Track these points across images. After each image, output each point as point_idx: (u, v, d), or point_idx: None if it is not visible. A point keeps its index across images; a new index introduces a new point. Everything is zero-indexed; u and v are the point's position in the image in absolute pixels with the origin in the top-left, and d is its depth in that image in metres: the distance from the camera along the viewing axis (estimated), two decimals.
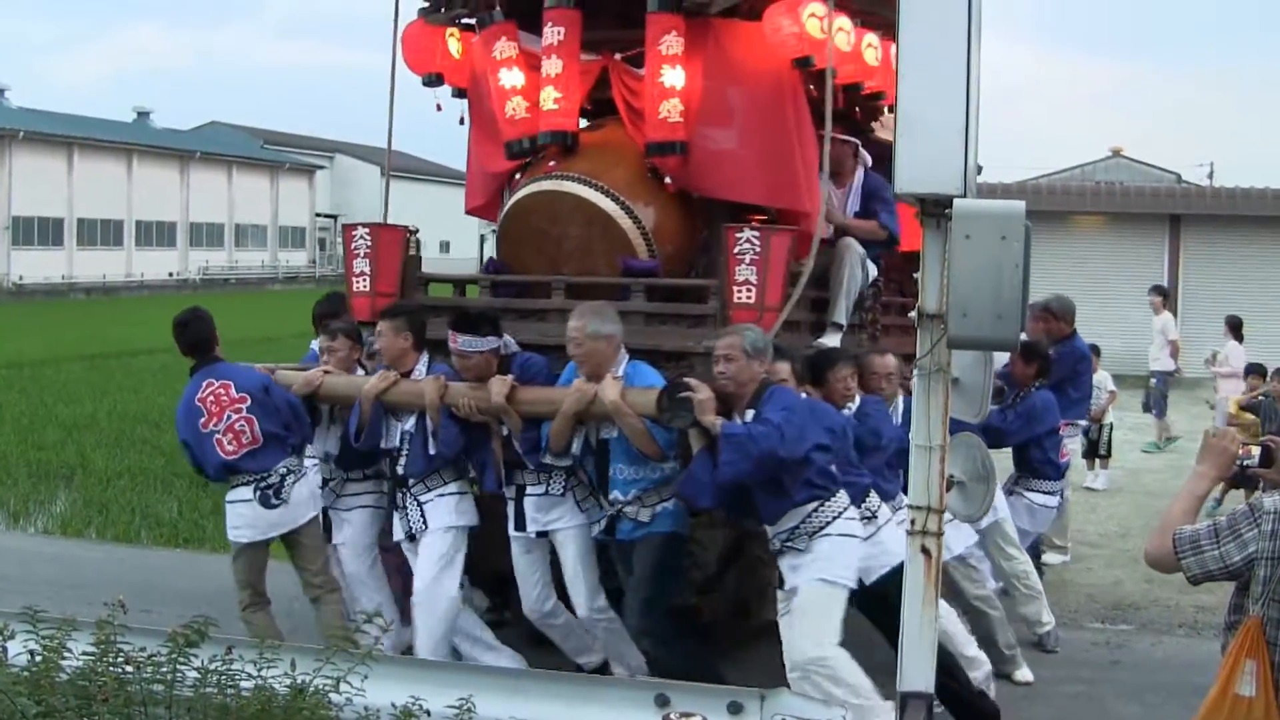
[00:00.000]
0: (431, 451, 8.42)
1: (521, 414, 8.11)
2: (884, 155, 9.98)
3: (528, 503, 8.40)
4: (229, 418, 8.51)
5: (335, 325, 9.21)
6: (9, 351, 30.76)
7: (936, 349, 6.14)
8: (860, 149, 9.68)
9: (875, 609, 7.74)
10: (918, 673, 6.22)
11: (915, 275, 10.57)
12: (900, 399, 8.76)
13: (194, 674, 5.28)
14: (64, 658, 5.30)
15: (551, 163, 9.16)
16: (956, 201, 5.84)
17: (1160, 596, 11.39)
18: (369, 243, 9.32)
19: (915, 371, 6.34)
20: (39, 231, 67.65)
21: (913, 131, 5.97)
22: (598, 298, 8.31)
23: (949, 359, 6.18)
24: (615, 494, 7.99)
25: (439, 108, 10.11)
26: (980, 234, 5.75)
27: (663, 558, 7.89)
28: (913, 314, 6.51)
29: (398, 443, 8.58)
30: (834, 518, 7.42)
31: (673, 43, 8.63)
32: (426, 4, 9.98)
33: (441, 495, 8.50)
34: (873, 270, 9.44)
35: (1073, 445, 11.76)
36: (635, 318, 8.41)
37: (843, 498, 7.49)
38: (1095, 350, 15.02)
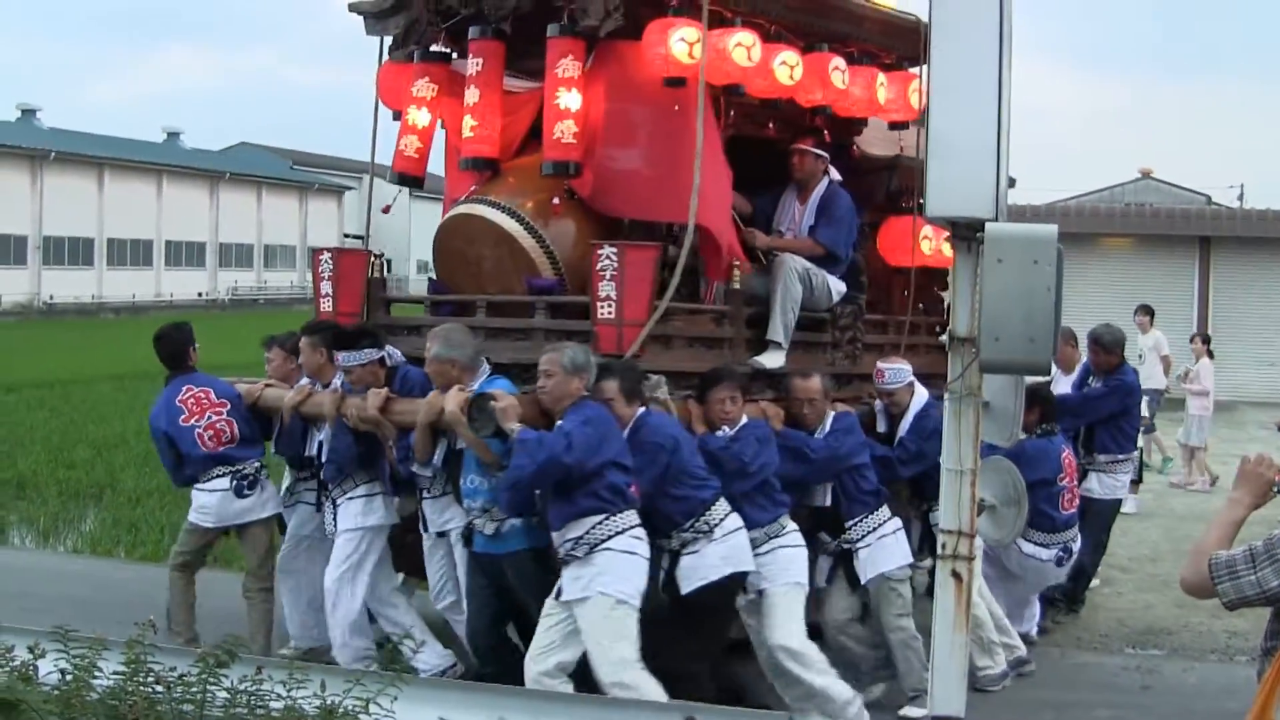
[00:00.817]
0: (322, 459, 9.05)
1: (395, 423, 8.47)
2: (865, 169, 10.04)
3: (425, 505, 8.73)
4: (210, 418, 9.34)
5: (270, 337, 9.97)
6: (39, 371, 30.87)
7: (968, 372, 6.13)
8: (828, 163, 9.76)
9: (682, 620, 7.90)
10: (948, 696, 6.20)
11: (938, 290, 10.71)
12: (829, 420, 8.80)
13: (224, 694, 5.29)
14: (94, 677, 5.30)
15: (473, 187, 9.55)
16: (988, 225, 5.84)
17: (1192, 621, 11.31)
18: (332, 266, 9.75)
19: (946, 395, 6.33)
20: (69, 251, 67.99)
21: (944, 155, 5.98)
22: (511, 315, 8.86)
23: (980, 382, 6.17)
24: (467, 503, 8.22)
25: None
26: (1012, 258, 5.75)
27: (537, 575, 7.99)
28: (944, 336, 6.49)
29: (315, 451, 9.21)
30: (616, 533, 7.46)
31: (569, 66, 8.83)
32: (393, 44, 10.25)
33: (351, 498, 8.95)
34: (838, 286, 9.54)
35: (1122, 479, 11.54)
36: (538, 334, 8.68)
37: (630, 516, 7.53)
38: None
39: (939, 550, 6.33)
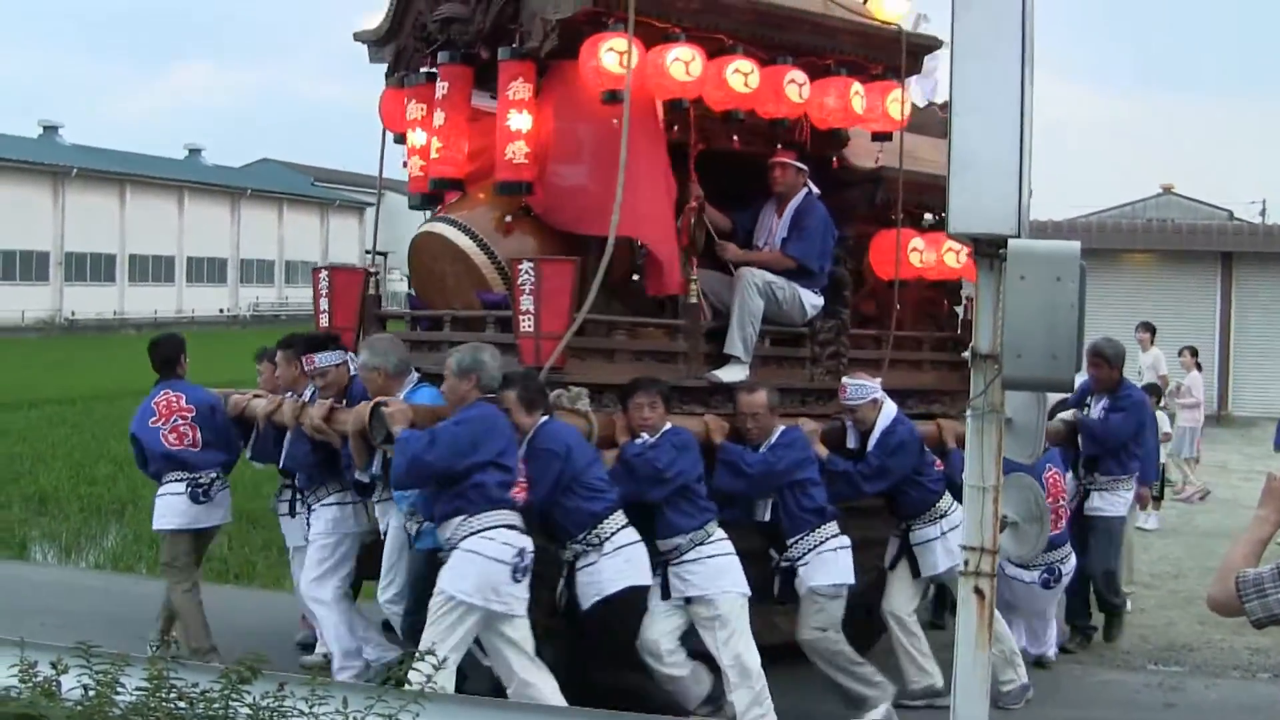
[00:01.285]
0: (280, 465, 9.72)
1: (337, 432, 8.68)
2: (849, 182, 9.98)
3: (376, 508, 9.16)
4: (175, 420, 9.82)
5: (262, 349, 10.51)
6: (61, 387, 30.99)
7: (991, 389, 6.12)
8: (808, 176, 9.77)
9: (587, 631, 8.29)
10: (972, 714, 6.19)
11: (948, 305, 10.64)
12: (776, 433, 8.81)
13: (246, 711, 5.28)
14: (117, 693, 5.30)
15: (438, 207, 9.97)
16: (1011, 242, 5.84)
17: (1214, 638, 11.28)
18: (329, 284, 10.19)
19: (969, 412, 6.31)
20: (91, 267, 68.21)
21: (966, 171, 5.97)
22: (471, 328, 9.12)
23: (1003, 399, 6.15)
24: (399, 506, 8.48)
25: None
26: (1035, 274, 5.75)
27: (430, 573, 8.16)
28: (967, 352, 6.47)
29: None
30: (470, 533, 7.63)
31: (518, 88, 8.99)
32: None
33: (324, 505, 9.36)
34: (812, 300, 9.57)
35: (1125, 495, 11.21)
36: (489, 347, 8.75)
37: (489, 517, 7.66)
38: (1155, 390, 14.94)
39: (963, 567, 6.31)
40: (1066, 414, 11.01)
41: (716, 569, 8.31)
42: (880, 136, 9.70)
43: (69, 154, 69.50)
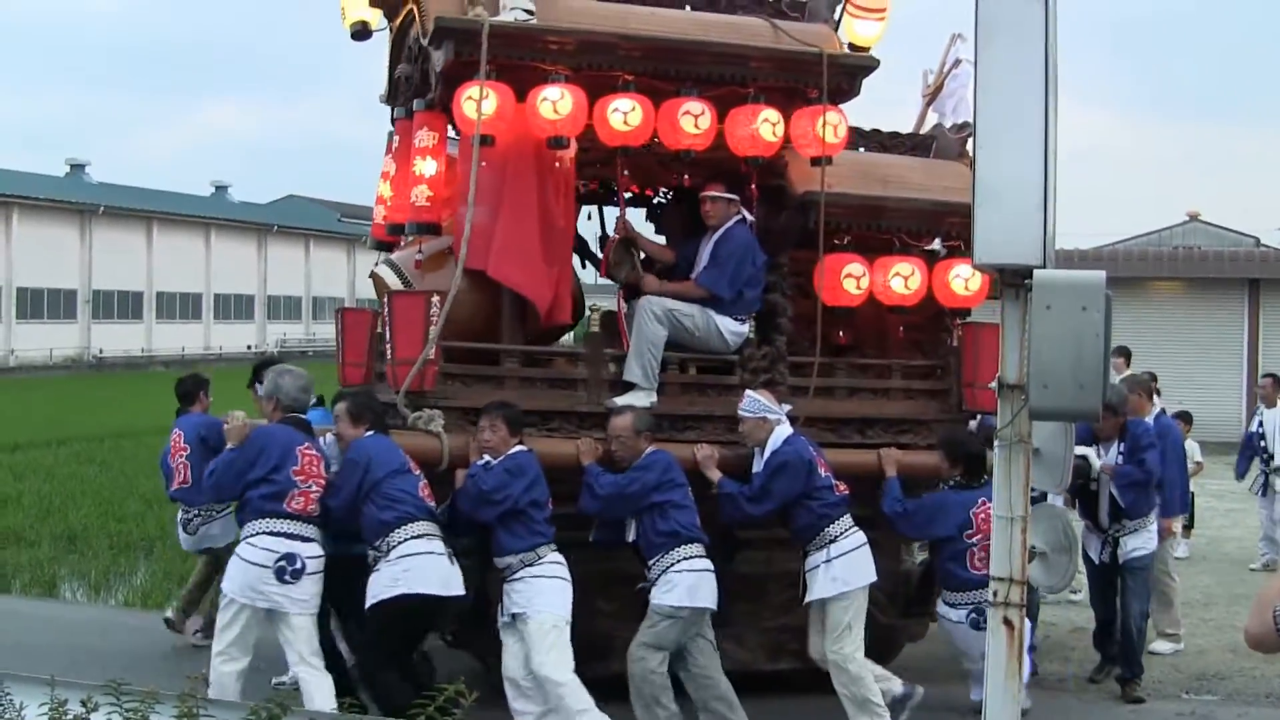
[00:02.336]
0: None
1: None
2: (786, 207, 9.96)
3: None
4: (179, 459, 10.89)
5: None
6: (89, 424, 31.07)
7: (1017, 419, 6.11)
8: (739, 205, 9.82)
9: (365, 637, 8.80)
10: None
11: (943, 335, 10.47)
12: (646, 454, 8.92)
13: None
14: None
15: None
16: (1037, 272, 5.84)
17: (1245, 666, 11.22)
18: (342, 322, 10.73)
19: (995, 441, 6.30)
20: (119, 305, 68.57)
21: (991, 202, 5.98)
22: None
23: (1029, 429, 6.14)
24: None
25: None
26: (1061, 304, 5.75)
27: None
28: (993, 383, 6.46)
29: None
30: (241, 541, 8.60)
31: (424, 136, 9.60)
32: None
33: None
34: (731, 327, 9.67)
35: (1151, 530, 10.87)
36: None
37: (254, 525, 8.46)
38: (1186, 417, 14.85)
39: (991, 597, 6.29)
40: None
41: (537, 590, 8.54)
42: (816, 161, 9.55)
43: (96, 192, 70.01)
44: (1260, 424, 16.37)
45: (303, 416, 8.99)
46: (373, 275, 10.17)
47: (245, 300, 78.16)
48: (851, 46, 10.00)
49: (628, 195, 10.77)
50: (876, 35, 10.06)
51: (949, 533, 9.48)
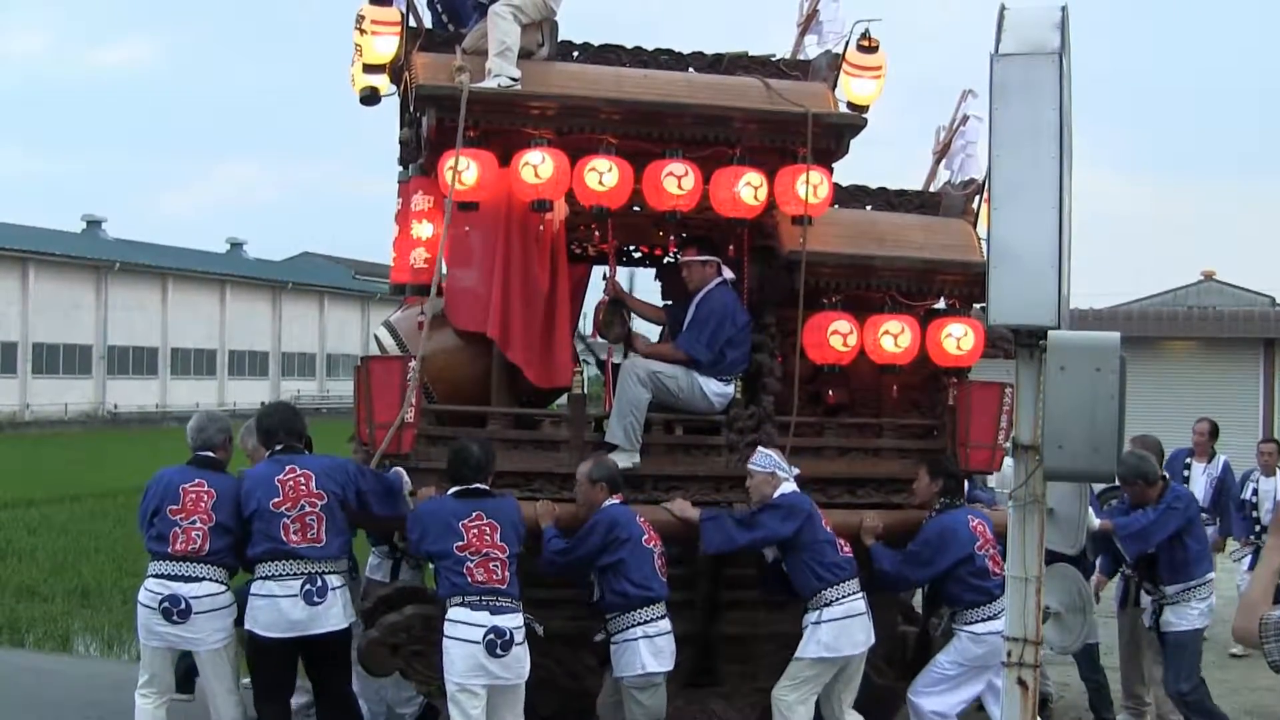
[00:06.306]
0: None
1: None
2: (774, 267, 9.95)
3: None
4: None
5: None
6: (104, 480, 31.07)
7: (1032, 480, 6.12)
8: (720, 267, 9.87)
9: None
10: None
11: (940, 394, 10.38)
12: (598, 511, 8.88)
13: None
14: None
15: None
16: (1051, 334, 5.87)
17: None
18: (367, 375, 10.36)
19: (1010, 502, 6.31)
20: (134, 361, 68.73)
21: (1006, 263, 6.01)
22: None
23: (1044, 490, 6.15)
24: None
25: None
26: (1075, 366, 5.78)
27: None
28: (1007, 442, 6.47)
29: None
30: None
31: (419, 200, 9.82)
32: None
33: None
34: (715, 388, 9.67)
35: (1199, 605, 10.44)
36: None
37: (148, 569, 8.74)
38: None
39: (1006, 658, 6.28)
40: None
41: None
42: (798, 220, 9.53)
43: (112, 248, 70.27)
44: (1255, 492, 14.98)
45: (208, 454, 9.19)
46: (375, 337, 10.29)
47: (260, 357, 78.31)
48: (850, 105, 10.02)
49: (639, 256, 10.89)
50: (874, 93, 10.07)
51: (965, 552, 9.24)
